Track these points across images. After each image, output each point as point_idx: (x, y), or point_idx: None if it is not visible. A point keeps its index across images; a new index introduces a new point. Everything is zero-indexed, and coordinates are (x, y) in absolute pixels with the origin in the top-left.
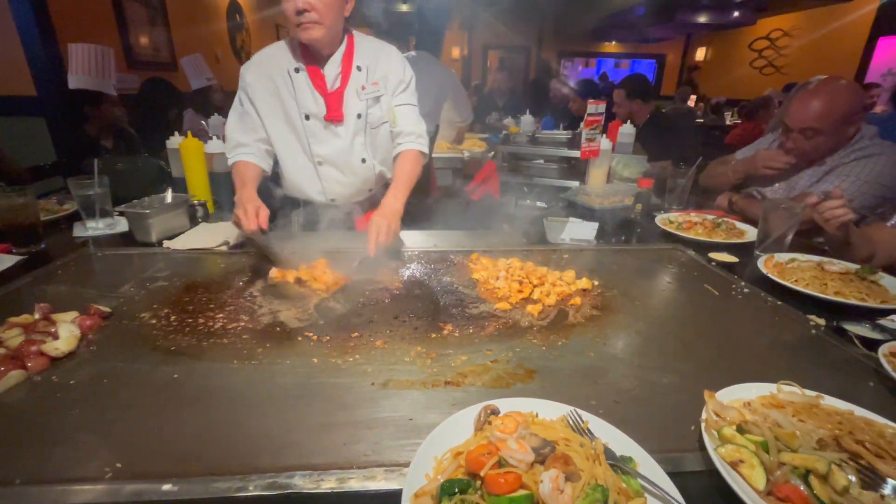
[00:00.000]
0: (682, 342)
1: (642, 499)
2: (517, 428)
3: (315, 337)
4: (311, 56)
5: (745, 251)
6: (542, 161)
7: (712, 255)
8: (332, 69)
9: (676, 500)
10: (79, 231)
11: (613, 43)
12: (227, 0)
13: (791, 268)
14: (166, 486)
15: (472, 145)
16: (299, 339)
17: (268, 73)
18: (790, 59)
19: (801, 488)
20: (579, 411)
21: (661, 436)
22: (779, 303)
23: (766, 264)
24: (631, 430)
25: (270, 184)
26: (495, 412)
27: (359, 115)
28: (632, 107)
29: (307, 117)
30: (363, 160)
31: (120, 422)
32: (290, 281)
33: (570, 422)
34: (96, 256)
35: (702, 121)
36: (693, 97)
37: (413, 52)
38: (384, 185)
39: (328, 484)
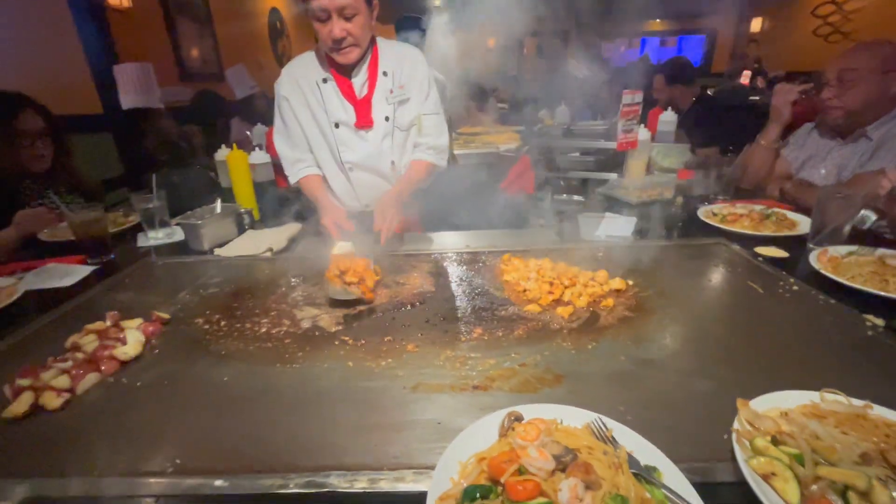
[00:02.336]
0: (721, 345)
1: None
2: (539, 435)
3: (350, 341)
4: (338, 65)
5: (796, 245)
6: (577, 154)
7: (759, 249)
8: (359, 77)
9: None
10: (142, 241)
11: (658, 21)
12: (268, 7)
13: (847, 262)
14: (218, 482)
15: (507, 139)
16: (336, 343)
17: (298, 84)
18: (860, 24)
19: None
20: (604, 419)
21: (692, 444)
22: (832, 301)
23: (820, 259)
24: (660, 438)
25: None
26: (519, 419)
27: (386, 118)
28: (673, 92)
29: (336, 125)
30: (392, 163)
31: (179, 421)
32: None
33: (594, 429)
34: (156, 265)
35: (757, 98)
36: (747, 73)
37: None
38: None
39: (360, 484)
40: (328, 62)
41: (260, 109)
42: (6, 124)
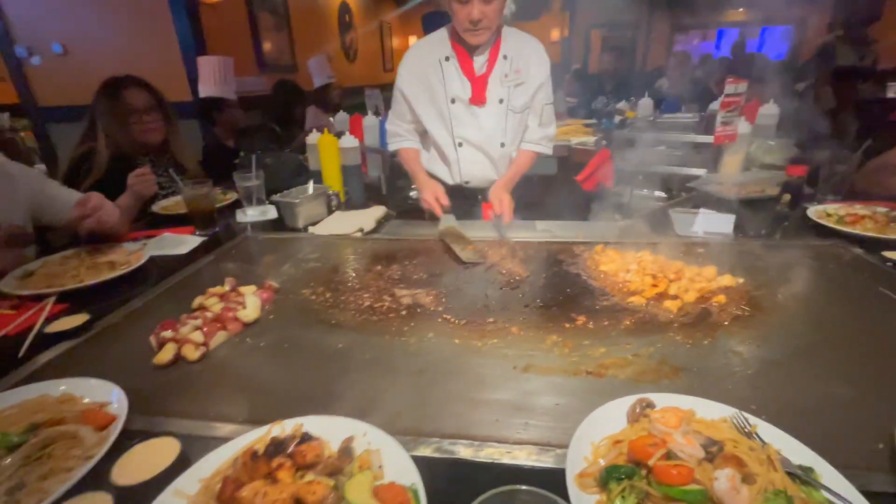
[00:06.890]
0: (854, 351)
1: None
2: (680, 423)
3: (453, 320)
4: (462, 45)
5: None
6: (662, 147)
7: (887, 253)
8: (480, 57)
9: None
10: (240, 217)
11: (741, 10)
12: (339, 2)
13: None
14: None
15: (576, 132)
16: (439, 321)
17: (420, 62)
18: None
19: None
20: (745, 414)
21: (839, 451)
22: None
23: None
24: (802, 440)
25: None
26: (651, 405)
27: (501, 100)
28: (842, 88)
29: (453, 101)
30: (502, 144)
31: (303, 380)
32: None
33: (736, 423)
34: (256, 239)
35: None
36: None
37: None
38: None
39: (488, 454)
40: (452, 42)
41: (333, 99)
42: (116, 103)
